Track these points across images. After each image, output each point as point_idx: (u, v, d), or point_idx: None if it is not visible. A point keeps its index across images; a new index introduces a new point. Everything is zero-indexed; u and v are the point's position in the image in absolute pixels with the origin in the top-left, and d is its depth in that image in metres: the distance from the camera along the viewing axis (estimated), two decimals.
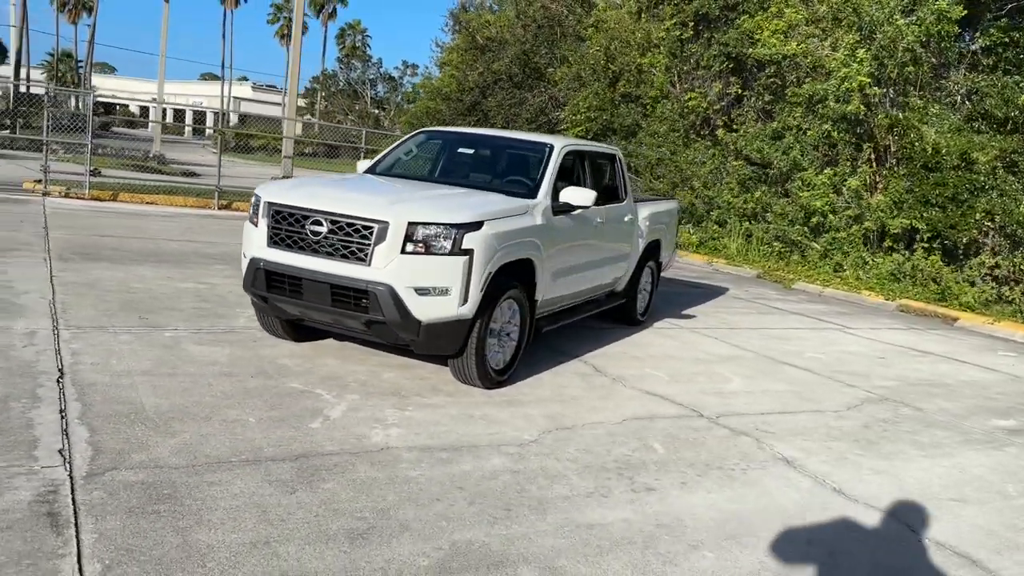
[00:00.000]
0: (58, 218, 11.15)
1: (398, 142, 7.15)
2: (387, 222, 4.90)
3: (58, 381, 4.62)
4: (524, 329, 5.77)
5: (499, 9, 26.83)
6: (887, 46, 14.21)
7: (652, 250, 8.34)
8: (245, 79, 78.12)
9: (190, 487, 3.52)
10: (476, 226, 5.06)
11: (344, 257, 4.99)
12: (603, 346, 7.19)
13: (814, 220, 14.90)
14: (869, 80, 14.17)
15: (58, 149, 19.45)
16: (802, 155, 15.31)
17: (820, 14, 15.72)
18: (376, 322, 5.01)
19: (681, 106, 18.14)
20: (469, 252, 4.98)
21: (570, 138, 7.32)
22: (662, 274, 9.00)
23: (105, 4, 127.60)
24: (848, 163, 14.85)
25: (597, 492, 4.00)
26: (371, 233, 4.91)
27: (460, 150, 6.92)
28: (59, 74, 59.42)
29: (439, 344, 5.14)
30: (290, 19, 61.56)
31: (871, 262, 13.97)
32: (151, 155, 27.29)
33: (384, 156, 6.92)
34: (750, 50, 16.38)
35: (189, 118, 64.45)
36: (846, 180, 14.62)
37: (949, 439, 5.68)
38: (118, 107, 63.07)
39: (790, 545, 3.68)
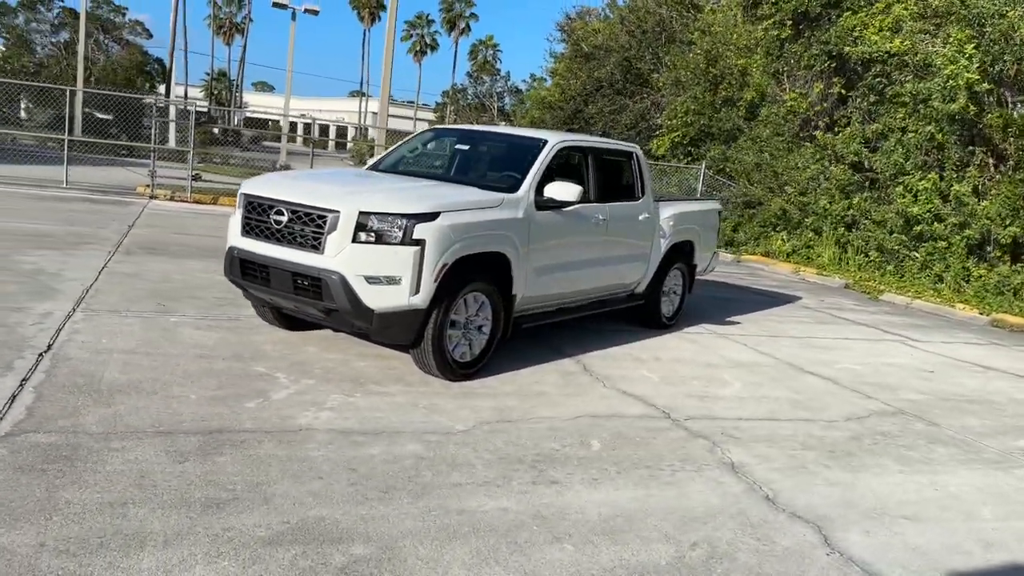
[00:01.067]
0: (150, 218, 12.09)
1: (406, 139, 7.31)
2: (339, 211, 5.04)
3: (40, 355, 5.03)
4: (497, 324, 5.74)
5: (609, 17, 26.67)
6: (998, 40, 13.08)
7: (680, 252, 8.07)
8: (363, 93, 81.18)
9: (91, 451, 3.76)
10: (430, 217, 5.10)
11: (302, 245, 5.17)
12: (610, 347, 7.04)
13: (917, 229, 13.89)
14: (978, 77, 13.09)
15: (192, 158, 21.01)
16: (905, 159, 14.32)
17: (929, 8, 14.67)
18: (332, 310, 5.15)
19: (785, 109, 17.37)
20: (420, 242, 5.03)
21: (574, 135, 7.21)
22: (703, 276, 8.69)
23: (260, 25, 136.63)
24: (955, 167, 13.76)
25: (493, 482, 3.95)
26: (325, 222, 5.06)
27: (458, 146, 6.99)
28: (214, 92, 64.17)
29: (394, 333, 5.22)
30: (423, 36, 63.97)
31: (974, 274, 12.88)
32: (278, 165, 28.99)
33: (389, 153, 7.09)
34: (850, 48, 15.50)
35: (332, 132, 67.97)
36: (952, 185, 13.55)
37: (948, 456, 5.19)
38: (270, 123, 67.38)
39: (669, 546, 3.50)
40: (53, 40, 57.26)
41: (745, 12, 18.50)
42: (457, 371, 5.51)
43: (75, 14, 58.62)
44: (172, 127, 28.49)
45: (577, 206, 6.48)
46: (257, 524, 3.27)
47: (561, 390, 5.62)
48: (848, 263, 14.82)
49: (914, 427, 5.75)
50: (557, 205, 6.11)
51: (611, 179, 7.18)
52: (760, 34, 17.77)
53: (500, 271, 5.73)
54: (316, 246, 5.10)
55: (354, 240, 5.02)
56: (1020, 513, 4.37)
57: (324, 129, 68.81)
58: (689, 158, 20.14)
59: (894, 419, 5.89)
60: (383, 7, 64.05)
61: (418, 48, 65.22)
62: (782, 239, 16.39)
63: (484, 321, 5.68)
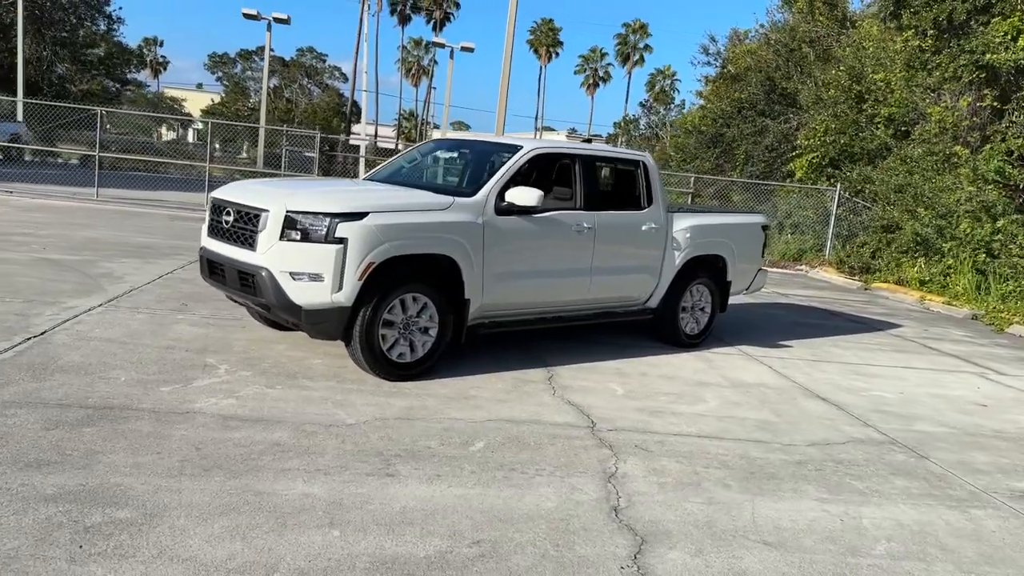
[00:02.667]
0: None
1: (406, 150, 7.49)
2: (268, 210, 5.29)
3: (28, 339, 5.66)
4: (445, 327, 5.73)
5: (764, 34, 25.72)
6: None
7: (705, 267, 7.62)
8: (551, 128, 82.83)
9: None
10: (355, 216, 5.23)
11: (242, 243, 5.47)
12: (600, 360, 6.78)
13: None
14: None
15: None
16: None
17: None
18: (267, 305, 5.39)
19: (934, 126, 15.88)
20: (343, 240, 5.17)
21: (564, 142, 7.07)
22: (768, 299, 8.14)
23: (458, 66, 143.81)
24: None
25: (325, 470, 3.96)
26: (257, 221, 5.34)
27: (444, 155, 7.07)
28: (404, 130, 68.37)
29: (322, 329, 5.36)
30: (596, 70, 64.62)
31: None
32: None
33: (388, 163, 7.31)
34: (1002, 56, 13.92)
35: None
36: None
37: (900, 489, 4.52)
38: None
39: (446, 541, 3.34)
40: (262, 86, 63.78)
41: (884, 24, 17.15)
42: (394, 371, 5.55)
43: (284, 62, 65.11)
44: (362, 162, 30.70)
45: (553, 213, 6.36)
46: (55, 484, 3.50)
47: (500, 395, 5.50)
48: (987, 293, 13.19)
49: (892, 458, 5.05)
50: (521, 211, 6.01)
51: (607, 187, 6.97)
52: (899, 46, 16.39)
53: (450, 274, 5.73)
54: (252, 244, 5.37)
55: (281, 238, 5.24)
56: (920, 554, 3.74)
57: None
58: (829, 180, 18.87)
59: (873, 448, 5.21)
60: (559, 43, 65.65)
61: (591, 81, 65.99)
62: (920, 266, 14.89)
63: (429, 323, 5.68)
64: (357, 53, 42.40)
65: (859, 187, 17.53)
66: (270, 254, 5.26)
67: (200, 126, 47.83)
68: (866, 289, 14.78)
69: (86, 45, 35.40)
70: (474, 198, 5.89)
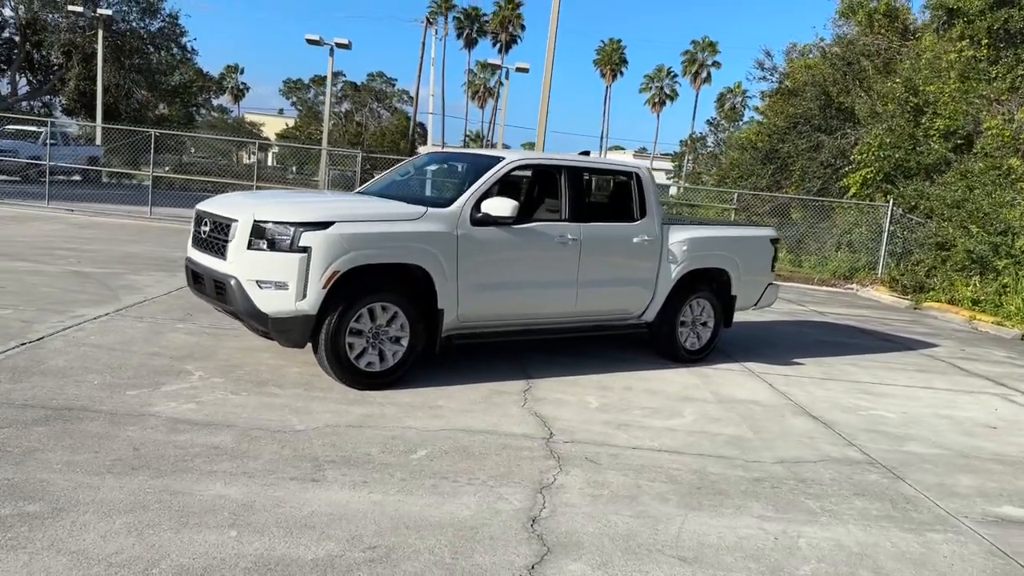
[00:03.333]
0: None
1: (400, 163, 7.57)
2: (237, 220, 5.42)
3: (22, 344, 5.92)
4: (416, 337, 5.74)
5: (823, 46, 25.10)
6: None
7: (705, 280, 7.45)
8: (620, 148, 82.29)
9: None
10: (320, 226, 5.31)
11: (216, 252, 5.62)
12: (587, 374, 6.68)
13: None
14: None
15: None
16: None
17: None
18: (237, 313, 5.51)
19: (993, 139, 15.20)
20: (307, 249, 5.25)
21: (548, 154, 7.02)
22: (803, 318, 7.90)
23: (516, 90, 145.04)
24: None
25: (252, 472, 4.00)
26: (228, 231, 5.47)
27: (434, 168, 7.10)
28: None
29: (289, 337, 5.44)
30: (662, 88, 64.17)
31: None
32: None
33: (383, 176, 7.39)
34: None
35: None
36: None
37: (857, 510, 4.30)
38: None
39: (340, 545, 3.33)
40: (335, 111, 65.57)
41: (938, 34, 16.53)
42: (363, 380, 5.58)
43: (356, 87, 66.87)
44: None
45: (535, 224, 6.34)
46: None
47: (467, 406, 5.47)
48: None
49: (862, 478, 4.81)
50: (498, 221, 6.00)
51: (597, 199, 6.90)
52: (953, 56, 15.76)
53: (423, 284, 5.75)
54: (223, 253, 5.51)
55: (249, 247, 5.36)
56: None
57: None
58: (885, 196, 18.20)
59: (845, 468, 4.97)
60: (624, 62, 65.51)
61: (657, 99, 65.54)
62: (974, 284, 14.19)
63: (400, 333, 5.70)
64: (419, 76, 43.35)
65: (913, 203, 16.86)
66: (238, 263, 5.38)
67: (260, 149, 49.44)
68: (915, 309, 14.16)
69: (161, 72, 37.06)
70: (449, 209, 5.90)
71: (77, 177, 24.65)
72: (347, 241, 5.35)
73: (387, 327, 5.66)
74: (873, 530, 4.06)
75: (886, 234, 17.15)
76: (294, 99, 70.22)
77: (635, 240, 6.91)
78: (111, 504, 3.51)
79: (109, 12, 31.09)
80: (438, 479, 4.15)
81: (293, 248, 5.26)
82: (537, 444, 4.84)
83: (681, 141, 65.81)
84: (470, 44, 62.51)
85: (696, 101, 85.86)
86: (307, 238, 5.25)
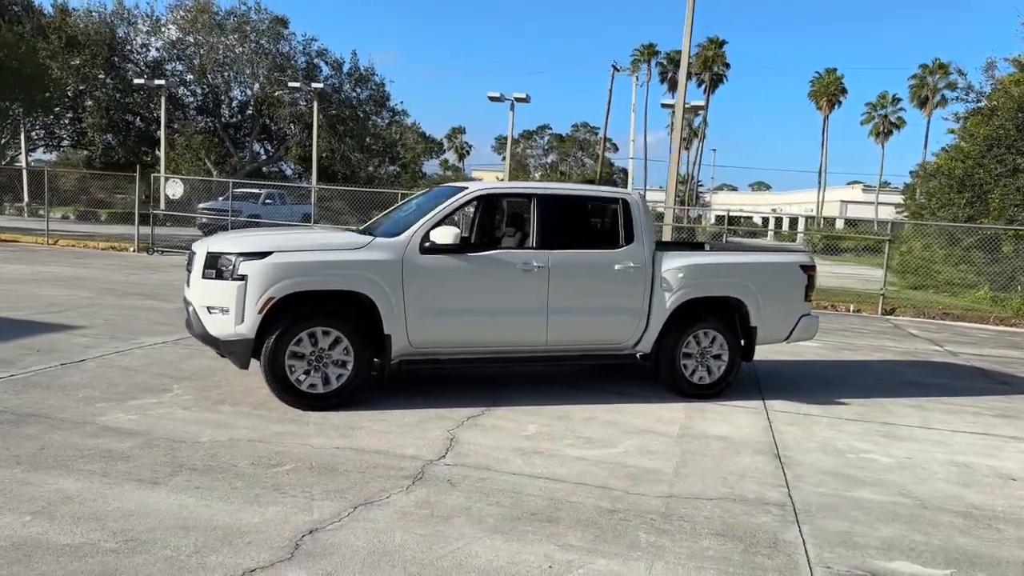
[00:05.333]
0: None
1: (409, 198, 7.86)
2: (196, 252, 6.02)
3: (61, 364, 6.92)
4: (361, 361, 5.98)
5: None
6: None
7: (713, 310, 7.00)
8: (857, 182, 76.79)
9: None
10: (257, 255, 5.77)
11: (187, 283, 6.26)
12: (560, 404, 6.51)
13: None
14: None
15: None
16: None
17: None
18: (196, 336, 6.08)
19: None
20: (244, 277, 5.72)
21: (512, 183, 6.99)
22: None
23: (719, 130, 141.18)
24: None
25: (106, 473, 4.42)
26: (193, 262, 6.09)
27: (418, 200, 7.31)
28: (679, 194, 68.40)
29: (237, 358, 5.89)
30: (886, 116, 59.60)
31: None
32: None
33: (388, 211, 7.72)
34: None
35: (786, 225, 66.77)
36: None
37: (693, 552, 3.88)
38: (741, 219, 69.19)
39: (111, 536, 3.63)
40: (542, 162, 68.02)
41: None
42: (305, 401, 5.90)
43: (561, 138, 68.92)
44: None
45: (494, 252, 6.40)
46: None
47: (392, 428, 5.60)
48: None
49: (747, 520, 4.30)
50: (447, 249, 6.13)
51: (575, 226, 6.78)
52: None
53: (370, 311, 6.00)
54: (189, 283, 6.14)
55: (203, 276, 5.93)
56: None
57: (793, 222, 67.96)
58: None
59: (740, 507, 4.47)
60: (843, 91, 61.73)
61: (880, 129, 60.85)
62: None
63: (345, 356, 5.97)
64: (607, 120, 43.82)
65: None
66: (196, 291, 5.97)
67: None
68: None
69: (370, 135, 40.74)
70: (397, 238, 6.14)
71: None
72: (282, 270, 5.75)
73: (330, 351, 5.95)
74: (685, 568, 3.65)
75: None
76: (504, 154, 73.81)
77: (617, 267, 6.68)
78: None
79: (321, 86, 34.82)
80: (269, 490, 4.33)
81: (233, 276, 5.74)
82: (414, 465, 4.86)
83: (911, 171, 60.46)
84: (673, 87, 62.13)
85: (928, 128, 78.59)
86: (244, 267, 5.72)
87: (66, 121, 40.88)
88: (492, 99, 31.96)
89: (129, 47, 39.02)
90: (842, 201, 69.71)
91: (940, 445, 6.05)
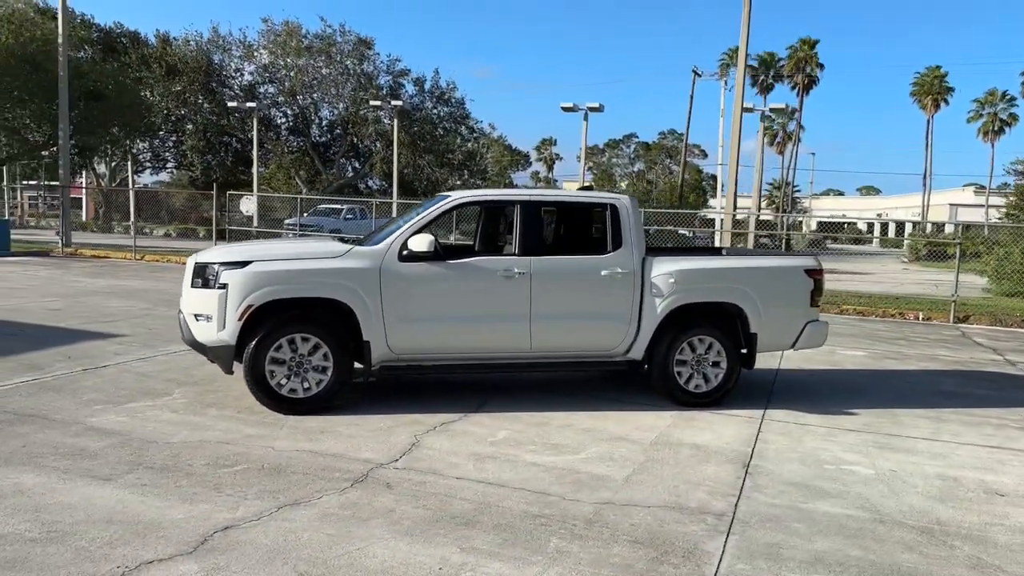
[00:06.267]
0: None
1: (412, 208, 7.97)
2: (187, 263, 6.32)
3: (83, 369, 7.38)
4: (340, 367, 6.13)
5: None
6: None
7: (708, 316, 6.81)
8: (971, 184, 72.57)
9: None
10: (238, 265, 6.01)
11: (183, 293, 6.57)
12: (544, 411, 6.48)
13: None
14: None
15: None
16: None
17: None
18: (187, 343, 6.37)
19: None
20: (225, 286, 5.97)
21: (496, 190, 6.97)
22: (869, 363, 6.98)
23: (814, 133, 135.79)
24: None
25: (68, 470, 4.69)
26: (187, 272, 6.39)
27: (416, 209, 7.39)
28: (774, 201, 66.46)
29: (222, 364, 6.14)
30: (995, 114, 56.28)
31: None
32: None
33: (391, 219, 7.87)
34: None
35: (892, 231, 63.78)
36: None
37: (596, 558, 3.81)
38: (846, 225, 66.65)
39: (38, 526, 3.86)
40: (629, 171, 67.36)
41: None
42: (286, 405, 6.09)
43: (648, 147, 68.14)
44: (717, 235, 31.10)
45: (473, 258, 6.47)
46: None
47: (362, 433, 5.70)
48: None
49: (673, 528, 4.17)
50: (425, 256, 6.22)
51: (561, 231, 6.75)
52: None
53: (349, 317, 6.15)
54: (182, 293, 6.44)
55: (192, 285, 6.22)
56: None
57: (900, 227, 64.86)
58: None
59: (674, 516, 4.33)
60: (949, 90, 58.71)
61: (991, 127, 57.45)
62: None
63: (325, 362, 6.14)
64: (688, 125, 43.13)
65: None
66: (185, 299, 6.26)
67: None
68: None
69: (449, 150, 41.46)
70: (376, 246, 6.28)
71: None
72: (261, 278, 5.97)
73: (310, 357, 6.12)
74: (579, 575, 3.59)
75: None
76: (591, 164, 73.58)
77: (604, 272, 6.60)
78: None
79: (401, 103, 35.71)
80: (208, 489, 4.49)
81: (216, 285, 6.00)
82: (362, 468, 4.95)
83: (1004, 169, 56.87)
84: (765, 90, 60.55)
85: None
86: (225, 276, 5.97)
87: (170, 144, 43.43)
88: (565, 109, 31.95)
89: (225, 72, 41.12)
90: (951, 204, 66.12)
91: (937, 457, 5.69)
